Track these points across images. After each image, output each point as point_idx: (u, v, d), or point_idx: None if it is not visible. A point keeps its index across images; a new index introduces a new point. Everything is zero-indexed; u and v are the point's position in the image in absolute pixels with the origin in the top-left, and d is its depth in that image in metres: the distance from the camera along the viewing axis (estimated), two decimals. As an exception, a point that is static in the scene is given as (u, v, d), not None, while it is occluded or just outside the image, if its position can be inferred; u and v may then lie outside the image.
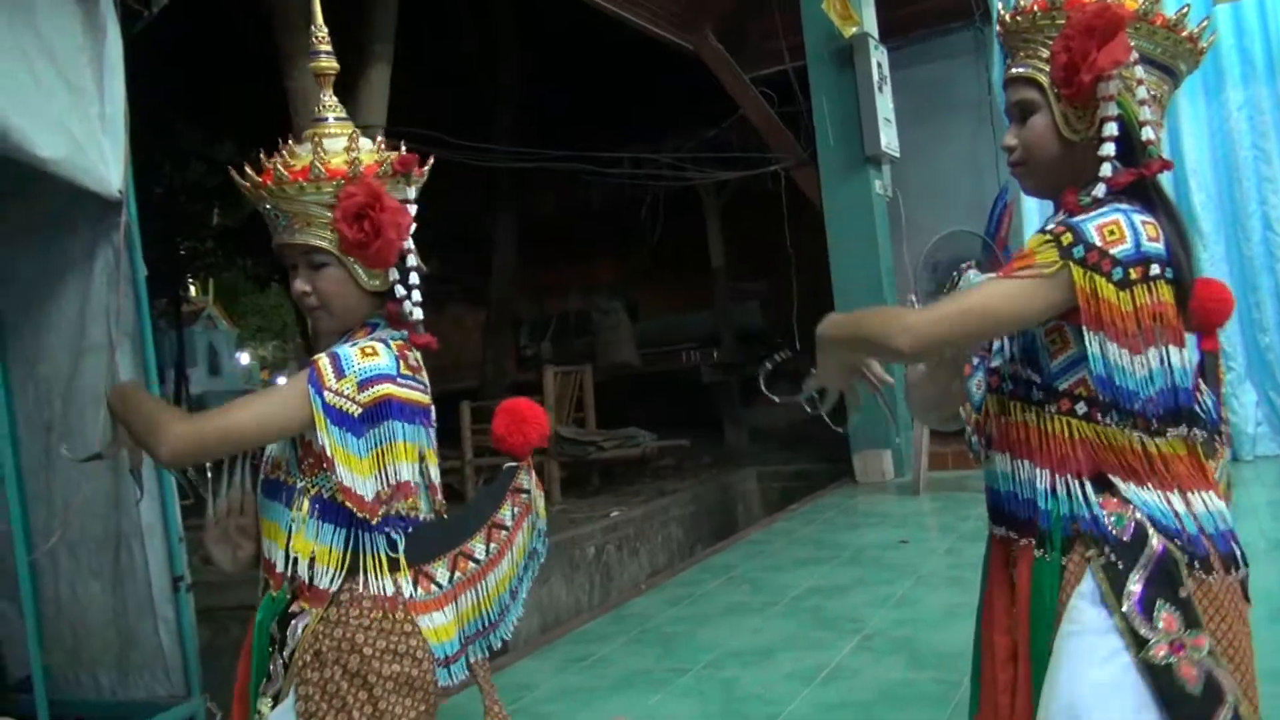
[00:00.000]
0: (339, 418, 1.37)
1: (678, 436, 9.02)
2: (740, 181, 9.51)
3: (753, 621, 3.66)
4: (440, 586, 1.50)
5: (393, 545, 1.45)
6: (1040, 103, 1.38)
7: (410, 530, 1.47)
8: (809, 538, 5.06)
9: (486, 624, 1.55)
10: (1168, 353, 1.29)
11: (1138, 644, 1.22)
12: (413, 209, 1.47)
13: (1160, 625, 1.23)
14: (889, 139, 6.51)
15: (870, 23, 6.49)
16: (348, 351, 1.41)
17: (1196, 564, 1.26)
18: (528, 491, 1.58)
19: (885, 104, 6.49)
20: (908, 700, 2.81)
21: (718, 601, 4.00)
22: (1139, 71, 1.32)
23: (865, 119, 6.42)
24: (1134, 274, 1.27)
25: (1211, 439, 1.43)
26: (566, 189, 11.70)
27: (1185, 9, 1.35)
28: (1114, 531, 1.28)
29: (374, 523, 1.41)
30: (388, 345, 1.44)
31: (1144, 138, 1.32)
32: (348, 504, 1.39)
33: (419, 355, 1.51)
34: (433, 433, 1.49)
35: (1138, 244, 1.28)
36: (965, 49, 7.38)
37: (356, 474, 1.39)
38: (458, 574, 1.52)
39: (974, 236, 6.15)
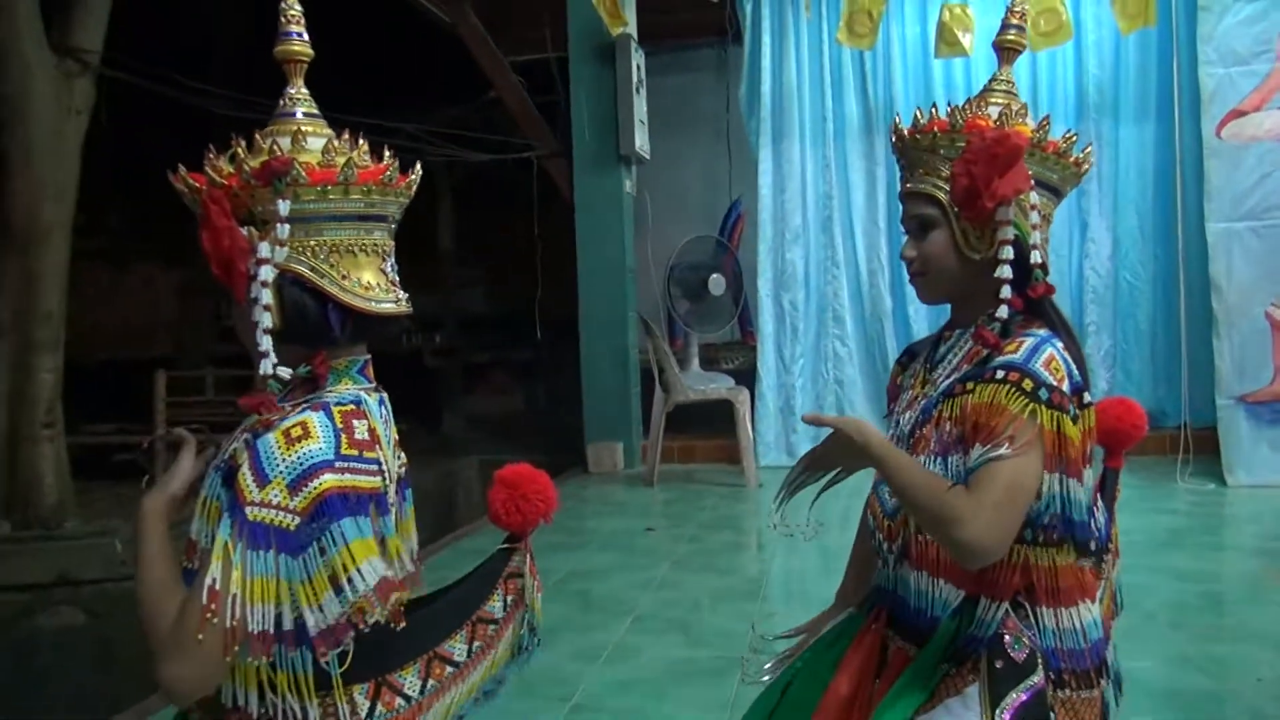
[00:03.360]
0: (270, 537, 1.08)
1: (394, 421, 8.70)
2: (477, 165, 9.36)
3: (521, 605, 3.61)
4: (408, 699, 1.23)
5: (328, 658, 1.15)
6: (940, 219, 1.44)
7: (364, 633, 1.19)
8: (557, 524, 4.96)
9: None
10: (1087, 476, 1.39)
11: None
12: (283, 229, 1.17)
13: None
14: (642, 140, 6.70)
15: (633, 25, 6.65)
16: (269, 442, 1.12)
17: (1076, 680, 1.40)
18: (523, 576, 1.37)
19: (641, 106, 6.67)
20: (693, 675, 2.90)
21: (477, 585, 3.91)
22: (1033, 197, 1.41)
23: (622, 118, 6.56)
24: (1076, 406, 1.35)
25: (1100, 556, 1.56)
26: (285, 149, 10.88)
27: (1071, 135, 1.46)
28: (1011, 652, 1.37)
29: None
30: (327, 415, 1.16)
31: (1033, 260, 1.40)
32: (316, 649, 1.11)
33: (378, 415, 1.23)
34: (389, 518, 1.22)
35: (1071, 375, 1.36)
36: (710, 65, 7.76)
37: (308, 603, 1.10)
38: (431, 682, 1.26)
39: (712, 240, 6.55)
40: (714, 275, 6.03)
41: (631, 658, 3.04)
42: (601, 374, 6.61)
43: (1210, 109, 5.43)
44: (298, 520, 1.09)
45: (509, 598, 1.36)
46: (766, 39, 6.66)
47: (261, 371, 1.16)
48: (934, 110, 1.49)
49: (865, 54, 6.45)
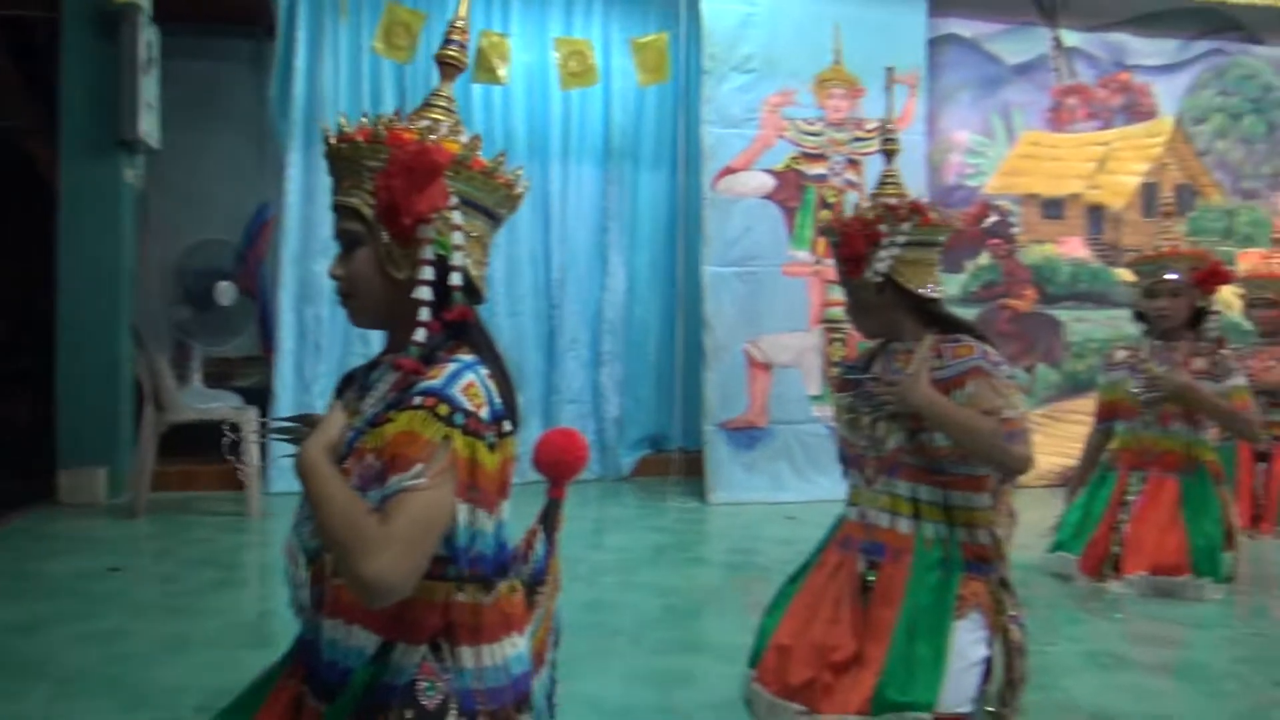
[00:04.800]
0: None
1: None
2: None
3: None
4: None
5: None
6: (365, 236, 1.37)
7: None
8: (-6, 568, 4.22)
9: None
10: (503, 507, 1.36)
11: None
12: None
13: None
14: (149, 126, 5.94)
15: (145, -4, 5.89)
16: None
17: (501, 714, 1.37)
18: None
19: (151, 87, 5.91)
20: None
21: None
22: (457, 216, 1.36)
23: (125, 99, 5.76)
24: (493, 435, 1.30)
25: (534, 588, 1.54)
26: None
27: (501, 155, 1.45)
28: (422, 700, 1.31)
29: None
30: None
31: (451, 282, 1.36)
32: None
33: None
34: None
35: (492, 401, 1.32)
36: (244, 56, 7.16)
37: None
38: None
39: (228, 244, 5.98)
40: (222, 283, 5.48)
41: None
42: (84, 389, 5.70)
43: (709, 164, 6.02)
44: None
45: None
46: (301, 36, 6.25)
47: None
48: (364, 118, 1.41)
49: (405, 68, 6.31)
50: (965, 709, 2.04)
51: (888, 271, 2.17)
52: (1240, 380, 3.78)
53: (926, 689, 1.98)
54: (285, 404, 5.99)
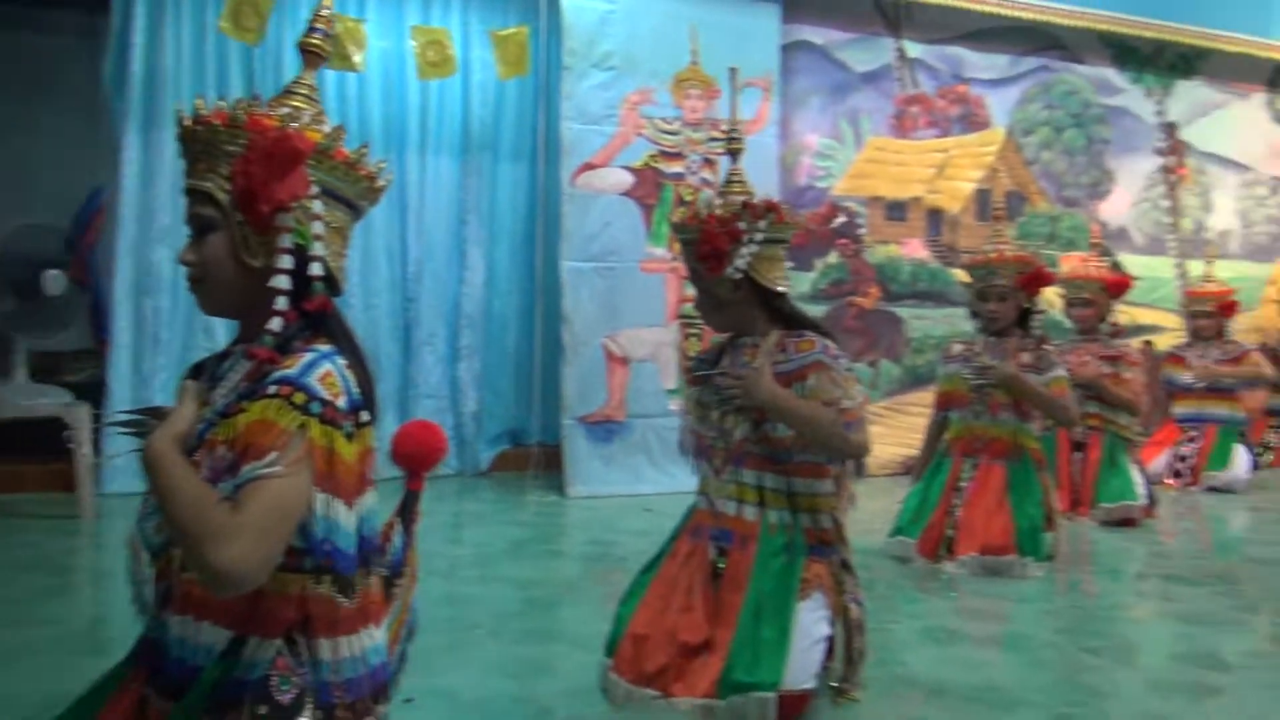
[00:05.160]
0: None
1: None
2: None
3: None
4: None
5: None
6: (220, 221, 1.36)
7: None
8: None
9: None
10: (365, 499, 1.39)
11: None
12: None
13: None
14: (-34, 102, 5.53)
15: (-41, -40, 5.48)
16: None
17: (351, 712, 1.37)
18: None
19: (-33, 60, 5.51)
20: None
21: None
22: (318, 206, 1.37)
23: (-63, 70, 5.35)
24: (351, 425, 1.31)
25: (391, 580, 1.55)
26: None
27: (364, 147, 1.46)
28: (277, 695, 1.30)
29: None
30: None
31: (311, 272, 1.37)
32: None
33: None
34: None
35: (349, 391, 1.33)
36: (75, 30, 6.73)
37: None
38: None
39: (56, 230, 5.62)
40: (50, 271, 5.14)
41: None
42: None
43: (568, 159, 6.04)
44: None
45: None
46: (139, 11, 5.92)
47: None
48: (221, 101, 1.41)
49: (253, 50, 6.07)
50: (809, 685, 2.15)
51: (746, 268, 2.26)
52: (1060, 372, 4.11)
53: (771, 669, 2.08)
54: (121, 399, 5.68)
